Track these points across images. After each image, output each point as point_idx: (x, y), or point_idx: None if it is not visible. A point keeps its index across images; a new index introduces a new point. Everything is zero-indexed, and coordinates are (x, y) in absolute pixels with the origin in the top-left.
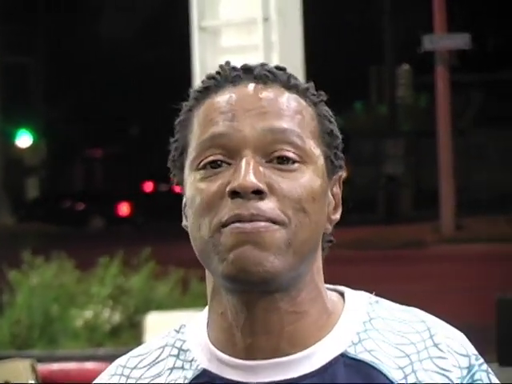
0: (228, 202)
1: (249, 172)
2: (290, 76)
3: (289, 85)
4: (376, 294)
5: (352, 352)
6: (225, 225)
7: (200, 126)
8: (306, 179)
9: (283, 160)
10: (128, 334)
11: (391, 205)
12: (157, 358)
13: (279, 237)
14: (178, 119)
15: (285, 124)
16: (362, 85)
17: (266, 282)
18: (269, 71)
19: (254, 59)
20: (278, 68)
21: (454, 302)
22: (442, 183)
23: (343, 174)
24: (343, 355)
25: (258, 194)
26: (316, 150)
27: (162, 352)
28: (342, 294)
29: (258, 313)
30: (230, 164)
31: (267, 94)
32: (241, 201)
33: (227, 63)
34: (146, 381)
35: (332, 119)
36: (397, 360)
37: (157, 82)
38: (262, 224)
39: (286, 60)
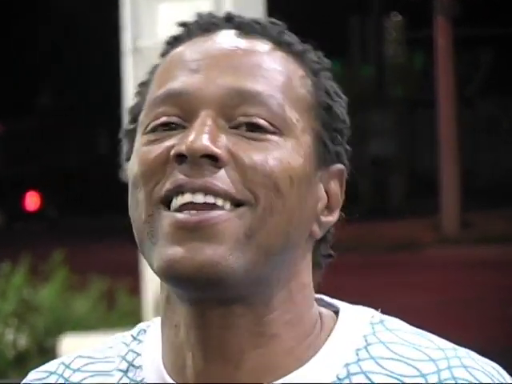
0: (173, 169)
1: (202, 133)
2: (283, 31)
3: (279, 41)
4: (383, 312)
5: None
6: (164, 200)
7: (157, 81)
8: (282, 152)
9: (253, 128)
10: (37, 362)
11: (378, 195)
12: (103, 369)
13: (237, 225)
14: (141, 81)
15: (259, 86)
16: (341, 40)
17: (217, 284)
18: (256, 22)
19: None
20: (272, 23)
21: (460, 318)
22: (443, 167)
23: (345, 170)
24: None
25: (213, 160)
26: (300, 122)
27: (108, 361)
28: (336, 312)
29: (211, 330)
30: (185, 128)
31: (247, 45)
32: (189, 167)
33: (209, 13)
34: None
35: (335, 96)
36: None
37: (76, 36)
38: (214, 213)
39: (243, 7)
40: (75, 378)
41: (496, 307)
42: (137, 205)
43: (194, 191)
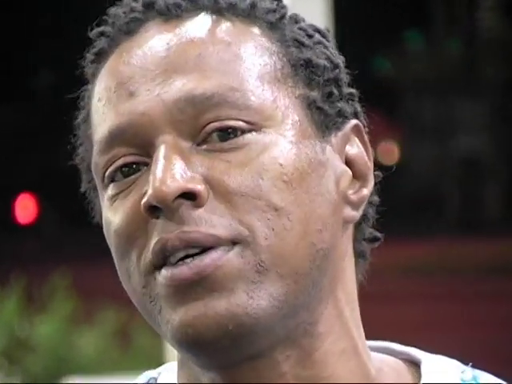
0: (154, 224)
1: (166, 170)
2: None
3: (218, 7)
4: (471, 365)
5: None
6: (156, 265)
7: (95, 119)
8: (267, 156)
9: (226, 134)
10: None
11: (469, 206)
12: None
13: (241, 263)
14: (82, 114)
15: (209, 82)
16: (421, 8)
17: (247, 340)
18: None
19: None
20: None
21: None
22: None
23: (358, 123)
24: None
25: (190, 199)
26: (280, 99)
27: None
28: (416, 363)
29: None
30: (148, 164)
31: (177, 34)
32: (165, 219)
33: (126, 4)
34: None
35: (309, 40)
36: None
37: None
38: (208, 257)
39: None
40: None
41: None
42: (128, 278)
43: (181, 248)
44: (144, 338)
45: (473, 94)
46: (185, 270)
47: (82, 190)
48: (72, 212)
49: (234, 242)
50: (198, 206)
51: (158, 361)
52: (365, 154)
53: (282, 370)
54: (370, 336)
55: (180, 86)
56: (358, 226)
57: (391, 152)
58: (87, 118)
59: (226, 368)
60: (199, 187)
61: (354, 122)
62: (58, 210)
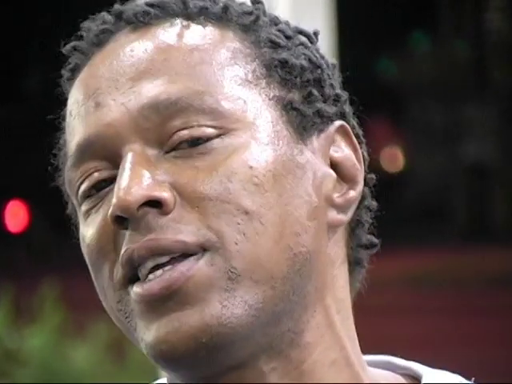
0: (124, 235)
1: (131, 178)
2: (188, 1)
3: (188, 12)
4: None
5: None
6: (128, 278)
7: (68, 136)
8: (236, 158)
9: (194, 141)
10: None
11: (477, 215)
12: None
13: (211, 271)
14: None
15: (174, 87)
16: (428, 7)
17: (225, 350)
18: (151, 4)
19: None
20: None
21: None
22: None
23: (348, 122)
24: None
25: (156, 207)
26: (251, 101)
27: None
28: (417, 378)
29: None
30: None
31: (143, 42)
32: (132, 230)
33: (97, 16)
34: None
35: (287, 41)
36: None
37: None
38: (176, 270)
39: None
40: None
41: None
42: (104, 294)
43: (149, 257)
44: (138, 350)
45: (480, 97)
46: (154, 285)
47: (67, 213)
48: (64, 220)
49: (203, 249)
50: (165, 213)
51: (152, 374)
52: (353, 155)
53: (269, 382)
54: (375, 349)
55: (145, 93)
56: (352, 231)
57: (395, 158)
58: (64, 138)
59: (209, 380)
60: (164, 194)
61: (338, 123)
62: (49, 218)
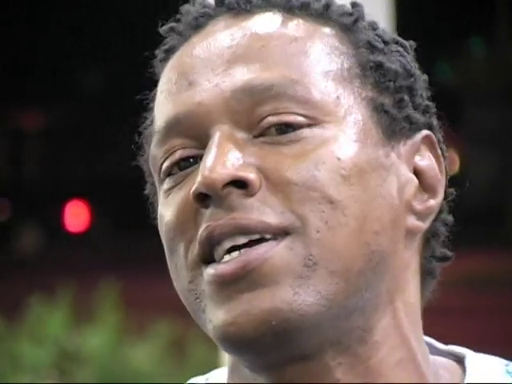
0: (203, 215)
1: (218, 157)
2: None
3: (290, 5)
4: None
5: None
6: (203, 258)
7: (157, 111)
8: (325, 149)
9: (283, 128)
10: None
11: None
12: None
13: (290, 256)
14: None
15: (269, 73)
16: (484, 10)
17: (293, 338)
18: None
19: None
20: None
21: None
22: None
23: (435, 133)
24: None
25: (241, 187)
26: (344, 98)
27: None
28: (459, 360)
29: None
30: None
31: (244, 28)
32: (214, 208)
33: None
34: None
35: (384, 46)
36: None
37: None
38: (254, 252)
39: None
40: None
41: None
42: (177, 273)
43: (229, 235)
44: (199, 350)
45: None
46: (228, 266)
47: (146, 192)
48: (125, 219)
49: (285, 233)
50: (249, 194)
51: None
52: (436, 166)
53: (335, 377)
54: None
55: (239, 77)
56: (427, 241)
57: (452, 161)
58: (152, 117)
59: (275, 368)
60: (251, 175)
61: (425, 132)
62: (110, 218)
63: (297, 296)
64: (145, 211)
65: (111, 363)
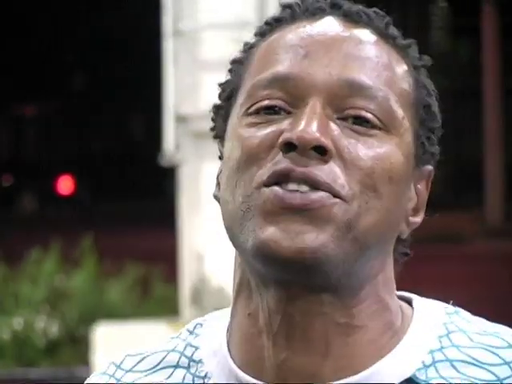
0: (278, 155)
1: (313, 122)
2: (389, 23)
3: (385, 33)
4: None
5: (422, 377)
6: (268, 182)
7: (259, 63)
8: (386, 151)
9: (360, 121)
10: (69, 351)
11: None
12: (159, 363)
13: (339, 213)
14: (234, 58)
15: (370, 78)
16: None
17: (313, 270)
18: (363, 12)
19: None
20: (376, 13)
21: (502, 313)
22: (487, 158)
23: (432, 171)
24: (410, 381)
25: (321, 153)
26: (404, 119)
27: (166, 356)
28: (408, 303)
29: (297, 317)
30: (290, 113)
31: (355, 36)
32: (296, 156)
33: None
34: None
35: (433, 93)
36: None
37: (111, 15)
38: (318, 195)
39: None
40: (127, 378)
41: None
42: (234, 187)
43: (298, 180)
44: (159, 287)
45: None
46: (297, 197)
47: (215, 134)
48: (102, 188)
49: (339, 198)
50: (324, 160)
51: (172, 306)
52: (426, 194)
53: (325, 310)
54: None
55: (347, 71)
56: (399, 240)
57: None
58: (243, 61)
59: (284, 286)
60: (330, 145)
61: (430, 168)
62: (89, 187)
63: (331, 244)
64: (115, 181)
65: (90, 298)
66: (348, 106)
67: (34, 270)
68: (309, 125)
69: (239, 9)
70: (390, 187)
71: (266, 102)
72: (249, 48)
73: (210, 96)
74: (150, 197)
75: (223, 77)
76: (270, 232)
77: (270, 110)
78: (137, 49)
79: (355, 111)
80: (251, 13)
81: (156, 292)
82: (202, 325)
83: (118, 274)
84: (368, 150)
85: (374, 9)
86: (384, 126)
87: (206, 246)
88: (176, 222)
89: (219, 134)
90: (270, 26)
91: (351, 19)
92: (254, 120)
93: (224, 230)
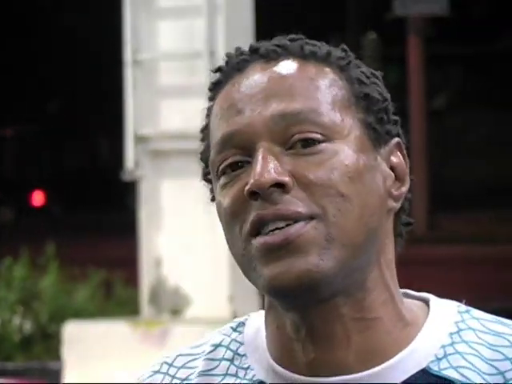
0: (252, 205)
1: (264, 166)
2: (304, 44)
3: (304, 54)
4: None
5: (435, 368)
6: (252, 233)
7: (214, 128)
8: (337, 159)
9: (306, 143)
10: (41, 346)
11: None
12: (209, 358)
13: (315, 233)
14: (201, 127)
15: (296, 104)
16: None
17: (317, 289)
18: (278, 45)
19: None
20: (292, 39)
21: None
22: (413, 173)
23: (401, 140)
24: (425, 371)
25: (280, 187)
26: (346, 120)
27: (214, 350)
28: (426, 302)
29: (318, 325)
30: (250, 162)
31: (274, 71)
32: (262, 200)
33: (237, 49)
34: (195, 381)
35: (367, 80)
36: (489, 378)
37: (82, 47)
38: (294, 228)
39: (232, 22)
40: (181, 374)
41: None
42: (233, 244)
43: (273, 220)
44: (121, 290)
45: None
46: (275, 237)
47: (201, 178)
48: (70, 202)
49: (311, 218)
50: (286, 192)
51: (132, 307)
52: (403, 162)
53: (341, 311)
54: None
55: (276, 106)
56: (397, 214)
57: None
58: (207, 127)
59: (300, 308)
60: (287, 179)
61: (396, 139)
62: (60, 200)
63: (321, 261)
64: (83, 195)
65: (59, 300)
66: (290, 135)
67: (8, 275)
68: (263, 169)
69: (191, 41)
70: (354, 186)
71: (228, 162)
72: (208, 112)
73: (166, 119)
74: (114, 209)
75: (178, 102)
76: (270, 274)
77: (235, 166)
78: (104, 77)
79: (298, 136)
80: (201, 45)
81: (118, 294)
82: (244, 324)
83: (85, 278)
84: (321, 165)
85: (289, 36)
86: (327, 137)
87: (163, 253)
88: (137, 232)
89: (212, 197)
90: (214, 91)
91: (270, 58)
92: (224, 181)
93: (179, 239)
